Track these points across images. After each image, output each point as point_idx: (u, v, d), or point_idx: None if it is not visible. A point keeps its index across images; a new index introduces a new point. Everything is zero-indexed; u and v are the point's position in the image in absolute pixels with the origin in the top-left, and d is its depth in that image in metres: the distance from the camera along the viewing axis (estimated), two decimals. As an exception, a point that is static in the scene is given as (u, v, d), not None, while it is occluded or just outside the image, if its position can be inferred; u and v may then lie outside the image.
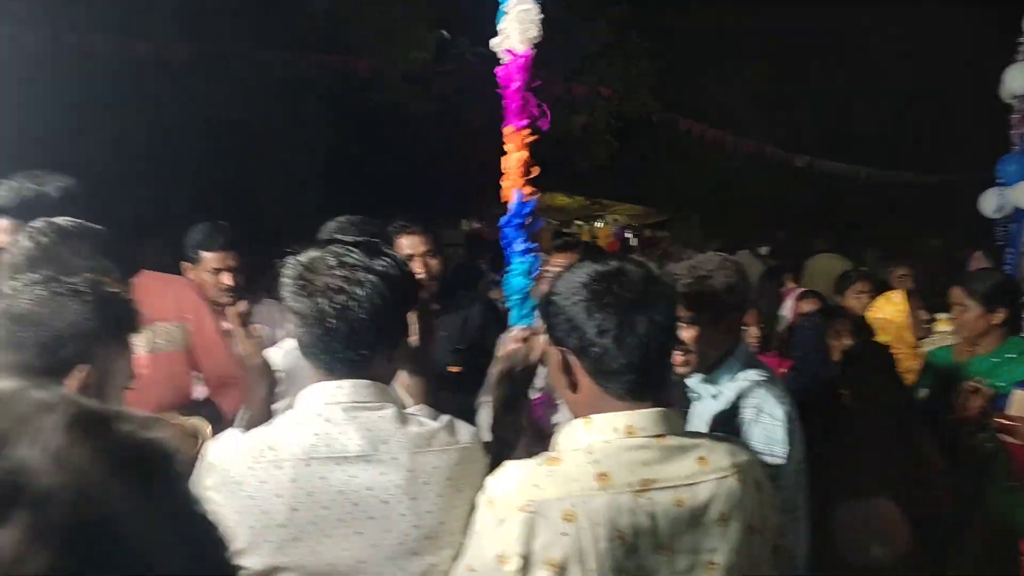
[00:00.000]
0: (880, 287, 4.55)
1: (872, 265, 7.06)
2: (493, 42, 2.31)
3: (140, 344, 2.10)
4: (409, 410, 1.55)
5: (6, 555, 0.35)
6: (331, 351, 1.44)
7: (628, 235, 15.46)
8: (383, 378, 1.53)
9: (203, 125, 7.06)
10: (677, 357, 2.06)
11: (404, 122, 7.98)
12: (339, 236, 1.77)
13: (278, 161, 7.81)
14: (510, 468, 1.37)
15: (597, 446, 1.36)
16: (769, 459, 1.90)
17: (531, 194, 2.37)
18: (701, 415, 2.14)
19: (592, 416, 1.39)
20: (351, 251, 1.46)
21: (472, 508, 1.42)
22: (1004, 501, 2.82)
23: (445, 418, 1.55)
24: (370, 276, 1.43)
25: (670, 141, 10.75)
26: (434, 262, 3.11)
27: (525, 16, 2.23)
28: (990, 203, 5.31)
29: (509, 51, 2.30)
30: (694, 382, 2.19)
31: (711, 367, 2.13)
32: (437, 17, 7.75)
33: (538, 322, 2.39)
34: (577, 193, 12.14)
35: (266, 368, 1.97)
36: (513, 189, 2.36)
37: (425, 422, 1.51)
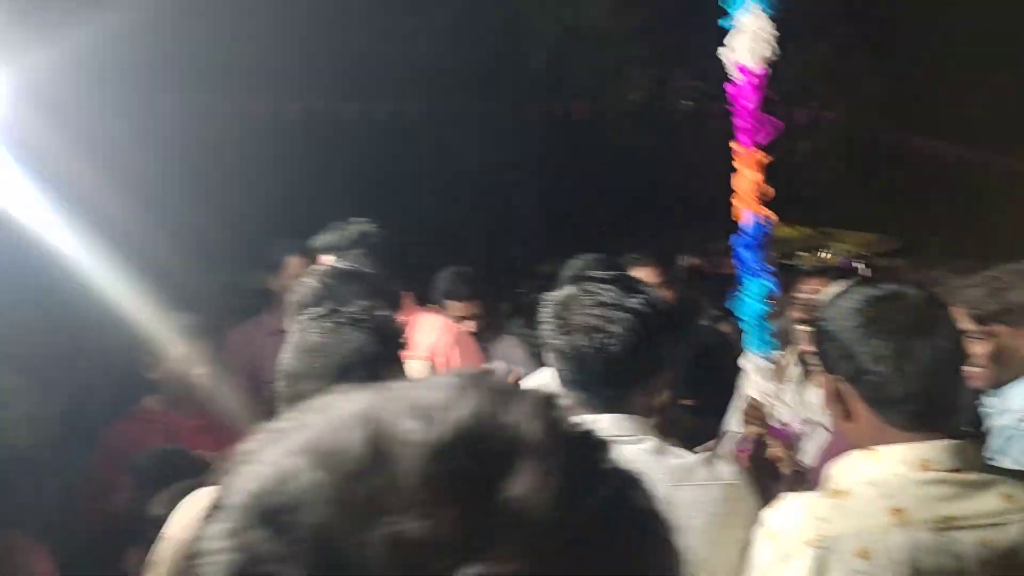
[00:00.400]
0: None
1: None
2: (722, 51, 2.27)
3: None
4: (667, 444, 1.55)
5: (523, 493, 0.40)
6: (589, 387, 1.48)
7: (857, 265, 14.51)
8: (642, 411, 1.53)
9: (437, 177, 7.59)
10: (973, 372, 1.93)
11: (622, 161, 8.06)
12: (590, 274, 1.83)
13: (507, 206, 8.19)
14: (790, 500, 1.32)
15: (886, 480, 1.27)
16: None
17: (768, 217, 2.32)
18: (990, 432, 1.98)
19: (877, 448, 1.30)
20: (607, 289, 1.49)
21: (743, 547, 1.38)
22: None
23: (703, 454, 1.54)
24: (625, 314, 1.45)
25: (902, 162, 9.97)
26: (667, 294, 3.14)
27: (759, 34, 2.20)
28: None
29: (741, 69, 2.26)
30: (989, 399, 2.04)
31: (1004, 383, 1.99)
32: (654, 54, 7.80)
33: (776, 348, 2.32)
34: (800, 223, 11.53)
35: None
36: (748, 211, 2.32)
37: (683, 455, 1.50)
